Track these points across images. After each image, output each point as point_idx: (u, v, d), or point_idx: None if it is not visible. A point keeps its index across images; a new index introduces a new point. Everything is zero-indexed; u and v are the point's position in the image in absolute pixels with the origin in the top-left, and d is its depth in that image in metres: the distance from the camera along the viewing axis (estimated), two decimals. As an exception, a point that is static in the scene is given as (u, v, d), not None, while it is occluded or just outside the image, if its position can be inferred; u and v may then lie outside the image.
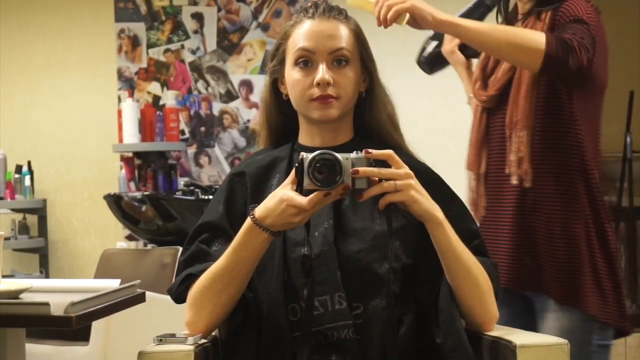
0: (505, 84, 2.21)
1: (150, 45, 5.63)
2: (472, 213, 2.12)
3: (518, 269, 2.18)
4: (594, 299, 2.13)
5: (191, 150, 5.59)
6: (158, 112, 5.22)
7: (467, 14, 2.43)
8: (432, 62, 2.51)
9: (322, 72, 1.78)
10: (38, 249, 5.60)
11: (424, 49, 2.51)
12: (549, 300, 2.16)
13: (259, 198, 1.73)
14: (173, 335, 1.71)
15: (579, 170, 2.15)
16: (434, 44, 2.48)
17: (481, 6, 2.45)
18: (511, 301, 2.22)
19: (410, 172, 1.65)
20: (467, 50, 2.39)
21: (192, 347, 1.67)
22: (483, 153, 2.26)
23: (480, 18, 2.42)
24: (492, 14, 2.38)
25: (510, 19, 2.29)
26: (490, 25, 2.10)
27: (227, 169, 5.47)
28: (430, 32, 2.46)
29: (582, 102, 2.15)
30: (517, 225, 2.19)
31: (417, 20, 2.01)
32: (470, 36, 2.07)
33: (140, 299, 2.13)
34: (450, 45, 2.41)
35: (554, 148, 2.16)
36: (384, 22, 2.01)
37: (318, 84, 1.78)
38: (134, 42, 5.63)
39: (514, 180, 2.16)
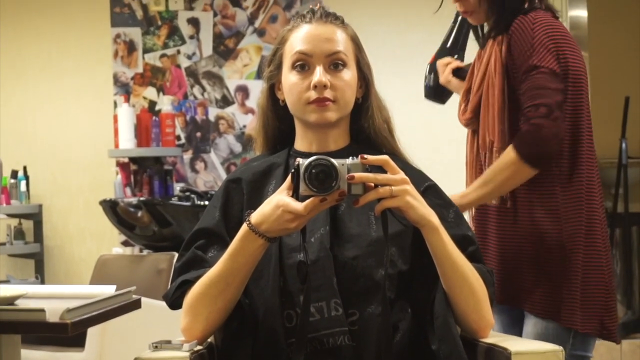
0: (476, 105, 2.23)
1: (146, 50, 5.63)
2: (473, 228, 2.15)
3: (503, 285, 2.18)
4: (573, 311, 2.12)
5: (187, 156, 5.59)
6: (154, 118, 5.22)
7: (455, 41, 2.46)
8: (438, 93, 2.56)
9: (319, 74, 1.78)
10: (33, 255, 5.59)
11: (426, 84, 2.57)
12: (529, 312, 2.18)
13: (255, 204, 1.73)
14: (169, 342, 1.71)
15: (560, 182, 2.15)
16: (431, 77, 2.54)
17: (463, 27, 2.49)
18: (503, 309, 2.24)
19: (406, 177, 1.65)
20: (461, 73, 2.43)
21: (187, 354, 1.67)
22: (476, 173, 2.27)
23: (465, 38, 2.48)
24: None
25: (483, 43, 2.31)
26: (481, 184, 2.16)
27: (223, 175, 5.47)
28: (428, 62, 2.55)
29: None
30: (501, 242, 2.20)
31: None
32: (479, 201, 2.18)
33: (136, 305, 2.12)
34: (445, 75, 2.46)
35: None
36: None
37: (315, 87, 1.78)
38: (130, 47, 5.63)
39: (493, 201, 2.19)
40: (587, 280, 2.14)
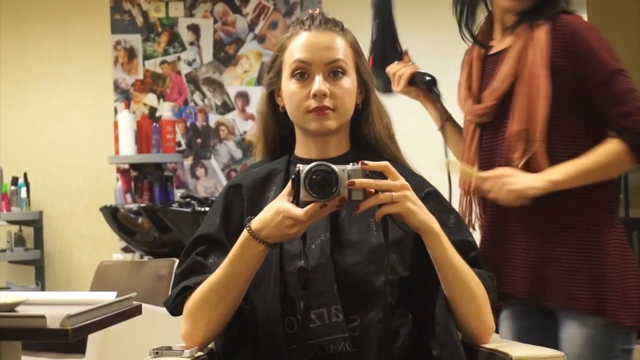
0: (504, 93, 2.12)
1: (146, 57, 5.63)
2: None
3: (536, 281, 2.10)
4: (617, 304, 2.05)
5: (187, 162, 5.59)
6: (154, 124, 5.22)
7: (391, 40, 2.37)
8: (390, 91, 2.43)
9: (318, 83, 1.78)
10: (34, 261, 5.59)
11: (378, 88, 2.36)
12: (568, 309, 2.10)
13: (255, 210, 1.73)
14: (169, 348, 1.71)
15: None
16: (380, 84, 2.33)
17: (389, 21, 2.42)
18: (527, 314, 2.18)
19: (407, 183, 1.65)
20: (416, 79, 2.33)
21: (188, 360, 1.67)
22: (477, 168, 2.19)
23: (394, 31, 2.41)
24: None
25: (482, 40, 2.24)
26: (571, 170, 2.05)
27: (224, 181, 5.47)
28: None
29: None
30: (531, 239, 2.10)
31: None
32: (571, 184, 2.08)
33: (136, 311, 2.12)
34: (401, 87, 2.34)
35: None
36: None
37: (314, 96, 1.78)
38: (130, 53, 5.63)
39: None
40: (625, 270, 2.07)
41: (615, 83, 2.05)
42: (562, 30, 2.09)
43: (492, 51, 2.22)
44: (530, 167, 2.07)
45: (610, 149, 2.05)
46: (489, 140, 2.17)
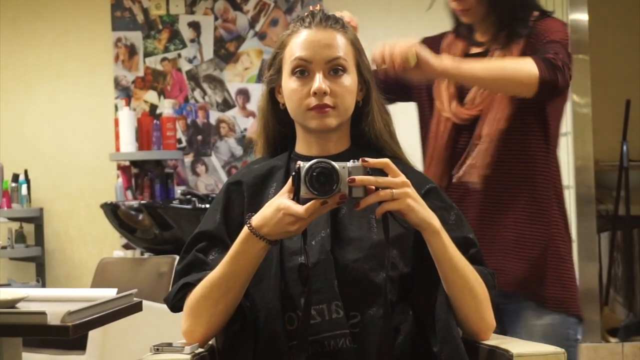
0: (488, 103, 2.22)
1: (147, 54, 5.63)
2: None
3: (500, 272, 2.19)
4: (570, 297, 2.19)
5: (188, 159, 5.59)
6: (155, 121, 5.22)
7: None
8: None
9: (318, 81, 1.78)
10: (35, 258, 5.59)
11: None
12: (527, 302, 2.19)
13: (256, 207, 1.73)
14: (170, 345, 1.71)
15: (545, 173, 2.21)
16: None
17: None
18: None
19: (407, 180, 1.65)
20: None
21: (189, 357, 1.67)
22: (447, 168, 2.26)
23: None
24: None
25: (467, 34, 2.30)
26: (483, 65, 2.11)
27: (224, 178, 5.47)
28: None
29: (554, 110, 2.22)
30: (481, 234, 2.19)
31: (421, 65, 2.00)
32: (468, 81, 2.14)
33: (137, 308, 2.12)
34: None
35: (521, 156, 2.21)
36: (393, 67, 2.01)
37: (315, 94, 1.78)
38: (131, 50, 5.63)
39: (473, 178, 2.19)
40: (570, 264, 2.21)
41: (557, 44, 2.13)
42: (532, 36, 2.19)
43: (474, 50, 2.28)
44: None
45: (522, 61, 2.09)
46: (465, 140, 2.24)
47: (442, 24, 2.37)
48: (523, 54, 2.16)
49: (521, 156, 2.20)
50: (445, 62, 2.02)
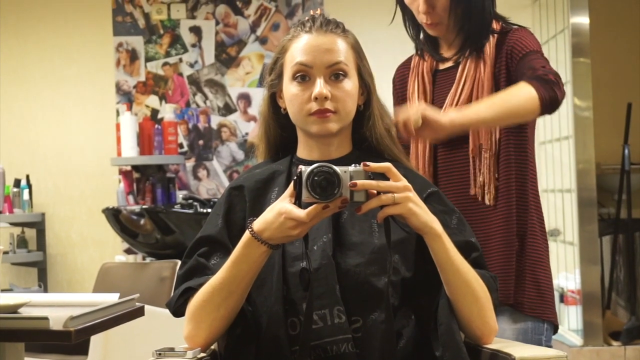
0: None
1: (148, 59, 5.64)
2: None
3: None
4: (545, 303, 2.17)
5: (189, 164, 5.59)
6: (156, 126, 5.23)
7: None
8: None
9: (319, 86, 1.78)
10: (36, 263, 5.59)
11: None
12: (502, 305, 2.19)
13: (257, 211, 1.73)
14: (172, 349, 1.71)
15: (531, 181, 2.20)
16: None
17: None
18: None
19: (409, 184, 1.65)
20: None
21: (191, 361, 1.67)
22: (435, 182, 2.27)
23: None
24: None
25: (432, 50, 2.31)
26: (486, 105, 2.08)
27: (226, 182, 5.48)
28: None
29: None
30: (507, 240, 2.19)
31: (430, 124, 1.99)
32: (476, 125, 2.11)
33: (139, 312, 2.12)
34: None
35: (514, 166, 2.20)
36: (406, 132, 1.99)
37: (316, 99, 1.78)
38: (132, 55, 5.64)
39: (486, 201, 2.18)
40: (547, 269, 2.20)
41: (537, 54, 2.14)
42: (509, 48, 2.19)
43: (443, 66, 2.29)
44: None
45: (519, 89, 2.08)
46: (447, 156, 2.23)
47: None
48: (493, 65, 2.17)
49: (518, 157, 2.20)
50: (451, 114, 2.02)
